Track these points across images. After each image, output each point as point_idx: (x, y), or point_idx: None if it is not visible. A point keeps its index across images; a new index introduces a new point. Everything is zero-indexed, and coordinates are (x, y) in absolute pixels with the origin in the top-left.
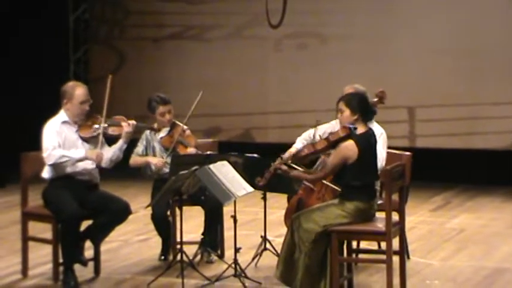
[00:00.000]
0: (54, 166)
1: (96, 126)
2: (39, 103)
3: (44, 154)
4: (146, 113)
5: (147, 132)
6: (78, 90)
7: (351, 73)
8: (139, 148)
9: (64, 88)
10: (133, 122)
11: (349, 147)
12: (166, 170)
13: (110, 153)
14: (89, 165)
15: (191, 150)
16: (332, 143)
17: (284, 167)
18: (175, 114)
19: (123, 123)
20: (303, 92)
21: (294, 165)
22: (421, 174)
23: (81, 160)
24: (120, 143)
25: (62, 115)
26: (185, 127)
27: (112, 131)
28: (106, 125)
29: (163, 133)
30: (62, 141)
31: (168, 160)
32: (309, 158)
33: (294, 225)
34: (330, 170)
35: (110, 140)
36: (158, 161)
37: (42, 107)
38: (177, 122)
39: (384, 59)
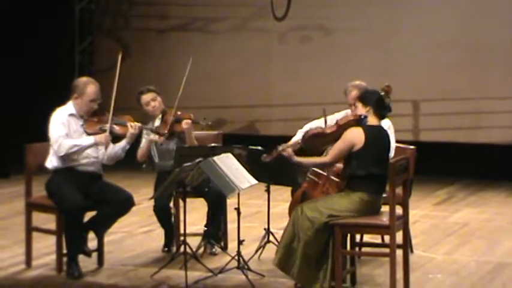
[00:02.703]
0: (64, 156)
1: (103, 125)
2: (43, 94)
3: (55, 146)
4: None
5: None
6: (90, 88)
7: (355, 66)
8: (143, 139)
9: (76, 83)
10: (138, 124)
11: (355, 133)
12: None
13: (112, 151)
14: (93, 157)
15: (185, 122)
16: (341, 126)
17: (289, 150)
18: (179, 106)
19: (129, 124)
20: (307, 84)
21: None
22: (425, 168)
23: (91, 146)
24: (124, 143)
25: (69, 107)
26: (178, 112)
27: (117, 129)
28: (113, 125)
29: (157, 122)
30: (68, 133)
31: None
32: (317, 142)
33: (296, 214)
34: (335, 155)
35: (114, 138)
36: (157, 137)
37: (47, 98)
38: (168, 109)
39: (388, 52)
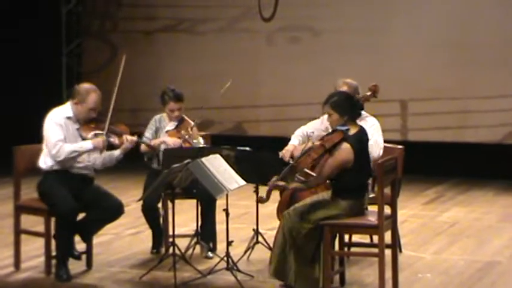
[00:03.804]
0: (62, 161)
1: (99, 132)
2: (31, 96)
3: (53, 150)
4: (138, 107)
5: (156, 117)
6: (91, 97)
7: (344, 66)
8: (148, 133)
9: (78, 88)
10: (134, 138)
11: (347, 151)
12: None
13: (105, 159)
14: (87, 160)
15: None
16: (328, 149)
17: (281, 183)
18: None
19: (125, 137)
20: (295, 85)
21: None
22: (413, 167)
23: (89, 151)
24: (117, 153)
25: (67, 110)
26: (192, 123)
27: (112, 140)
28: (109, 134)
29: (170, 127)
30: (67, 138)
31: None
32: (308, 166)
33: (284, 221)
34: (328, 175)
35: (108, 146)
36: (174, 141)
37: (35, 100)
38: (186, 118)
39: (376, 52)
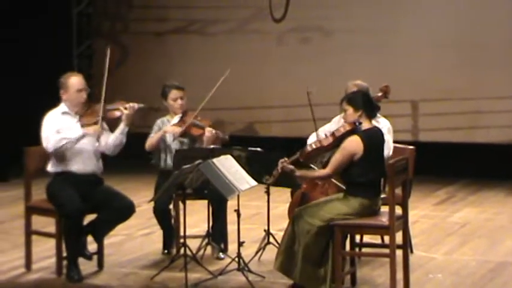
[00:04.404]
0: (59, 157)
1: (98, 114)
2: (42, 98)
3: (44, 143)
4: (148, 108)
5: (160, 120)
6: (72, 79)
7: (354, 67)
8: (152, 132)
9: (60, 80)
10: (132, 104)
11: (354, 142)
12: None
13: (112, 138)
14: (90, 150)
15: (208, 129)
16: (338, 138)
17: (290, 167)
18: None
19: (122, 107)
20: (306, 85)
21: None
22: (424, 168)
23: (80, 139)
24: (122, 127)
25: (61, 106)
26: (195, 113)
27: (112, 114)
28: (107, 112)
29: (175, 120)
30: (62, 131)
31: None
32: (317, 155)
33: (296, 218)
34: (336, 167)
35: (114, 127)
36: (174, 129)
37: (45, 102)
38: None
39: (387, 52)
